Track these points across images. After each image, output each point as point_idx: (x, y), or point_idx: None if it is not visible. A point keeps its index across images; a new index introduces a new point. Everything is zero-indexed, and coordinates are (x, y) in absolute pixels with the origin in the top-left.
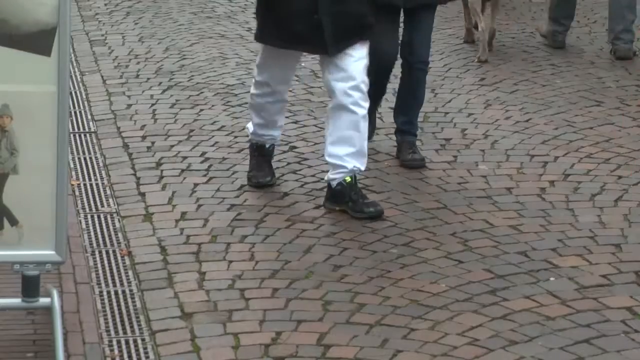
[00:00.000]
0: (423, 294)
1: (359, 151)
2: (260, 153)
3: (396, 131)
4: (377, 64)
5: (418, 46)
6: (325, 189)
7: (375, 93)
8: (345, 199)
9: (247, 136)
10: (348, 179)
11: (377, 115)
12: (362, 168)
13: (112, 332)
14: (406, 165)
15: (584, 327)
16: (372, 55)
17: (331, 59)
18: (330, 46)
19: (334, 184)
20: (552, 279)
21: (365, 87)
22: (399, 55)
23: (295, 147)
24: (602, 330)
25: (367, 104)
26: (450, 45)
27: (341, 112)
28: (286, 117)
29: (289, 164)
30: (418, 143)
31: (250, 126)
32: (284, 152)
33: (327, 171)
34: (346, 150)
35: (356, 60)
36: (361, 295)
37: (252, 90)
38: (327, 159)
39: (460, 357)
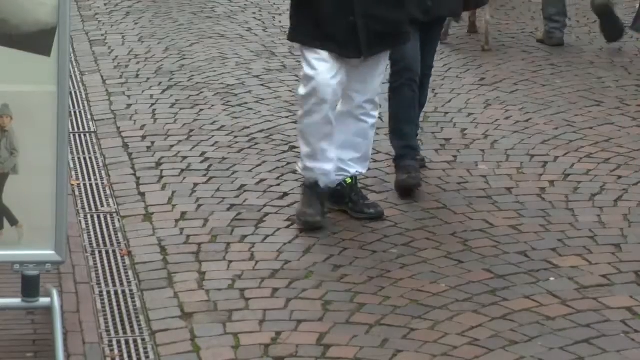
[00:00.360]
0: (423, 293)
1: (363, 156)
2: (312, 191)
3: (395, 158)
4: (404, 78)
5: (427, 55)
6: None
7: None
8: (345, 199)
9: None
10: (348, 180)
11: (378, 115)
12: (364, 172)
13: (112, 332)
14: (401, 187)
15: (584, 327)
16: (399, 69)
17: (357, 67)
18: (364, 49)
19: (334, 184)
20: (552, 279)
21: (377, 99)
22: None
23: (295, 147)
24: (602, 330)
25: (377, 113)
26: (450, 45)
27: (351, 119)
28: (286, 117)
29: (288, 163)
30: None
31: (300, 161)
32: (284, 152)
33: None
34: (351, 155)
35: (379, 74)
36: (361, 295)
37: (299, 112)
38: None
39: (460, 357)
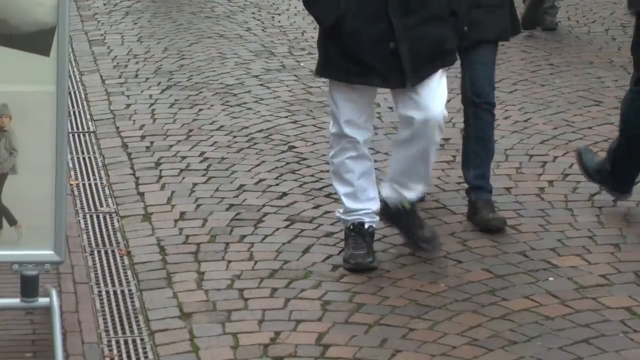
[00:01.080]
0: (422, 293)
1: (423, 181)
2: (359, 233)
3: (468, 189)
4: None
5: (483, 85)
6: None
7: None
8: (401, 224)
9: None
10: (406, 204)
11: (377, 115)
12: (422, 196)
13: (111, 332)
14: (488, 227)
15: (583, 326)
16: None
17: (408, 94)
18: (409, 77)
19: (390, 201)
20: (551, 278)
21: (443, 120)
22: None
23: (294, 147)
24: (601, 330)
25: (441, 135)
26: None
27: (413, 143)
28: (285, 117)
29: (287, 163)
30: None
31: (341, 210)
32: (283, 152)
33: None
34: (411, 180)
35: (436, 91)
36: (360, 295)
37: (330, 153)
38: (389, 182)
39: (459, 357)
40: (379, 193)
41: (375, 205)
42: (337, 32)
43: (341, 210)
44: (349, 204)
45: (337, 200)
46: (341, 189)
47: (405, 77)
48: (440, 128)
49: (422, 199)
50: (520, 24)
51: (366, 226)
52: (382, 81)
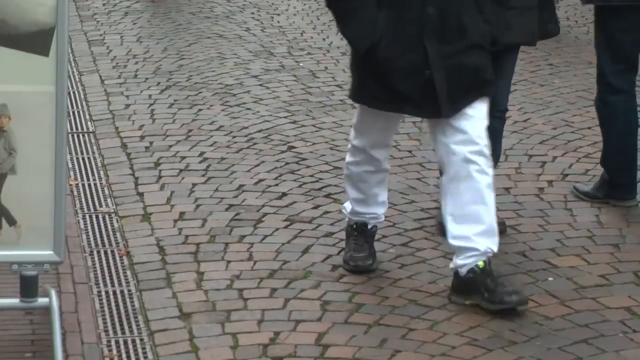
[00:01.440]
0: (421, 293)
1: (488, 229)
2: (361, 233)
3: None
4: None
5: (499, 93)
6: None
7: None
8: (480, 288)
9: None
10: (481, 263)
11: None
12: (495, 249)
13: (111, 332)
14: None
15: (583, 327)
16: None
17: (446, 120)
18: (444, 107)
19: (463, 271)
20: (550, 279)
21: (488, 151)
22: None
23: (293, 147)
24: (600, 330)
25: (492, 170)
26: None
27: (462, 183)
28: (284, 117)
29: (287, 164)
30: (416, 143)
31: (347, 205)
32: (282, 152)
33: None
34: (474, 229)
35: (477, 120)
36: (360, 295)
37: (348, 158)
38: (451, 242)
39: (459, 357)
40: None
41: (383, 209)
42: (372, 57)
43: (347, 209)
44: (357, 207)
45: (337, 201)
46: (352, 193)
47: (441, 106)
48: (485, 157)
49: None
50: (558, 24)
51: (369, 226)
52: (415, 110)
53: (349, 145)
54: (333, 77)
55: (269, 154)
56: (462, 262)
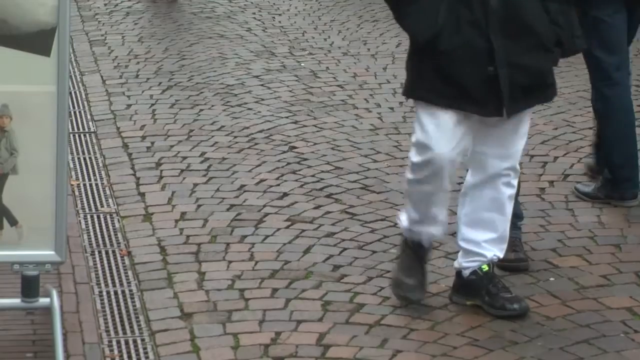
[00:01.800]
0: None
1: (500, 236)
2: (414, 251)
3: None
4: None
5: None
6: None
7: None
8: (481, 292)
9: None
10: (485, 267)
11: (377, 115)
12: (502, 256)
13: (112, 332)
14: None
15: (584, 327)
16: None
17: (491, 130)
18: (507, 105)
19: (466, 273)
20: (551, 279)
21: (519, 167)
22: None
23: (294, 147)
24: (601, 331)
25: (516, 183)
26: None
27: (486, 190)
28: (285, 117)
29: (288, 164)
30: None
31: (403, 218)
32: (284, 152)
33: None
34: (486, 236)
35: (520, 137)
36: (361, 295)
37: (408, 175)
38: (460, 243)
39: (460, 357)
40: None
41: (441, 230)
42: (432, 50)
43: (403, 221)
44: (415, 227)
45: (338, 201)
46: (411, 212)
47: (503, 105)
48: (516, 172)
49: (503, 261)
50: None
51: (425, 245)
52: (477, 107)
53: (409, 162)
54: (334, 77)
55: (270, 154)
56: (467, 264)
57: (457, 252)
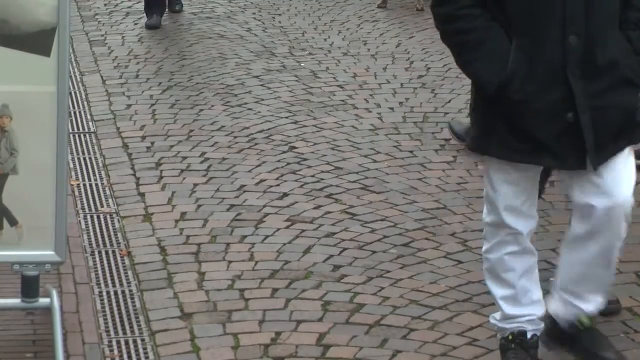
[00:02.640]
0: (422, 294)
1: (603, 290)
2: (521, 346)
3: None
4: None
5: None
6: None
7: None
8: (578, 346)
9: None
10: (585, 319)
11: (377, 115)
12: (602, 307)
13: (112, 332)
14: None
15: None
16: None
17: (585, 173)
18: (591, 156)
19: (562, 322)
20: (551, 279)
21: (631, 209)
22: None
23: (294, 148)
24: (602, 331)
25: (625, 232)
26: None
27: (593, 240)
28: (285, 118)
29: (288, 164)
30: (417, 144)
31: (495, 314)
32: (284, 152)
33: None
34: (589, 288)
35: (625, 174)
36: (361, 296)
37: (485, 246)
38: (560, 292)
39: (459, 357)
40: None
41: (541, 310)
42: (501, 98)
43: (497, 317)
44: (509, 309)
45: (338, 201)
46: (498, 291)
47: (587, 156)
48: (626, 219)
49: (606, 312)
50: None
51: (529, 335)
52: (555, 161)
53: (483, 231)
54: (334, 77)
55: (270, 154)
56: (563, 315)
57: (456, 251)
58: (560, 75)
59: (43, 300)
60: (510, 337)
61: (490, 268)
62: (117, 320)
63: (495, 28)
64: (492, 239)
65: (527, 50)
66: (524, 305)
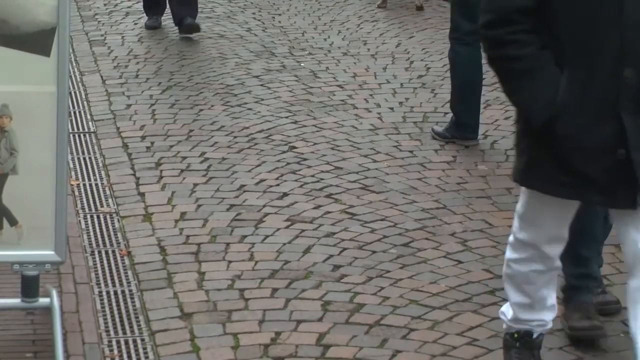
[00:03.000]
0: (422, 294)
1: None
2: (525, 345)
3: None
4: None
5: None
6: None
7: None
8: None
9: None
10: None
11: (377, 115)
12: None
13: (112, 332)
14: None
15: None
16: None
17: (636, 212)
18: None
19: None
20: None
21: None
22: None
23: (294, 147)
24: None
25: None
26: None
27: None
28: (285, 117)
29: (288, 164)
30: (417, 144)
31: (506, 310)
32: (284, 152)
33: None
34: None
35: None
36: (361, 295)
37: (510, 254)
38: None
39: (459, 357)
40: None
41: (552, 315)
42: (549, 132)
43: (507, 314)
44: (521, 313)
45: (338, 201)
46: (514, 297)
47: (637, 194)
48: None
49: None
50: None
51: (534, 335)
52: (604, 199)
53: (511, 239)
54: (334, 77)
55: (270, 154)
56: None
57: (456, 251)
58: (612, 110)
59: (43, 300)
60: (515, 336)
61: (511, 275)
62: (117, 320)
63: (546, 57)
64: (520, 253)
65: (578, 82)
66: (537, 311)
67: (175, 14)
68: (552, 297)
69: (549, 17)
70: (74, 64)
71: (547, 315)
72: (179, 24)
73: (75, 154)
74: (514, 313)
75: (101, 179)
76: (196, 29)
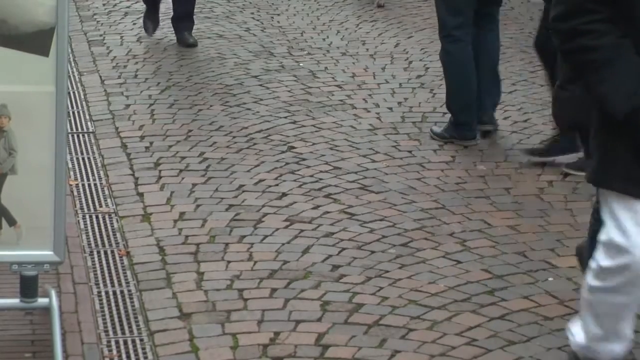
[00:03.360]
0: (421, 294)
1: None
2: None
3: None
4: None
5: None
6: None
7: None
8: None
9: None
10: None
11: (376, 115)
12: None
13: (111, 332)
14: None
15: None
16: None
17: None
18: None
19: None
20: (550, 279)
21: None
22: None
23: (293, 148)
24: None
25: None
26: None
27: None
28: (284, 117)
29: (287, 164)
30: (416, 144)
31: (576, 331)
32: (282, 152)
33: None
34: None
35: None
36: (360, 296)
37: (593, 281)
38: None
39: (458, 357)
40: None
41: (623, 347)
42: (630, 126)
43: (575, 335)
44: (593, 344)
45: (337, 201)
46: (592, 327)
47: None
48: None
49: None
50: None
51: None
52: None
53: (594, 265)
54: (333, 77)
55: (268, 154)
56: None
57: (455, 251)
58: None
59: (42, 300)
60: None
61: (592, 303)
62: (116, 320)
63: (626, 46)
64: (605, 282)
65: None
66: (610, 342)
67: (176, 26)
68: (628, 328)
69: (626, 6)
70: (73, 64)
71: (619, 347)
72: (177, 38)
73: (74, 154)
74: (585, 341)
75: (100, 179)
76: (192, 45)
